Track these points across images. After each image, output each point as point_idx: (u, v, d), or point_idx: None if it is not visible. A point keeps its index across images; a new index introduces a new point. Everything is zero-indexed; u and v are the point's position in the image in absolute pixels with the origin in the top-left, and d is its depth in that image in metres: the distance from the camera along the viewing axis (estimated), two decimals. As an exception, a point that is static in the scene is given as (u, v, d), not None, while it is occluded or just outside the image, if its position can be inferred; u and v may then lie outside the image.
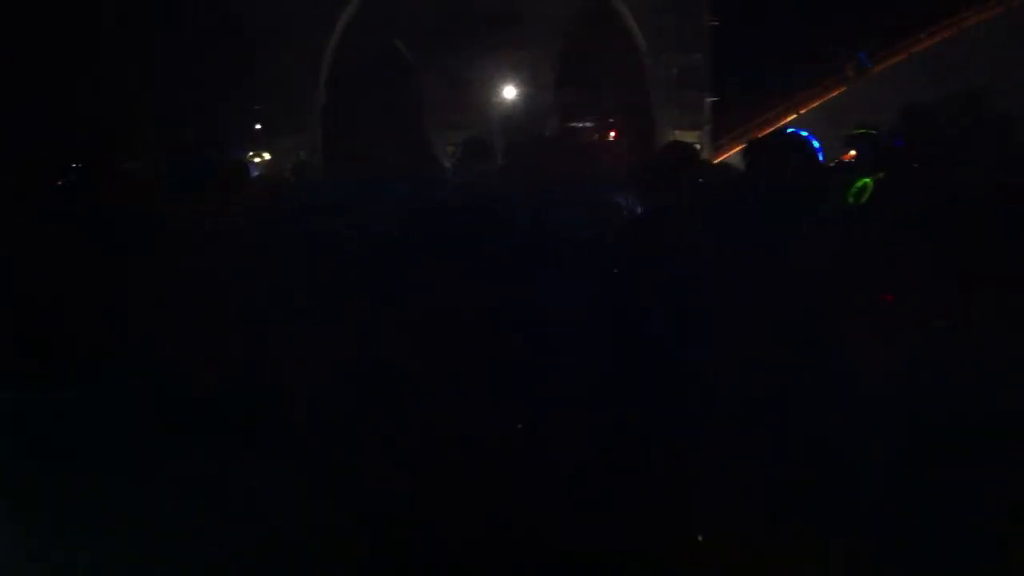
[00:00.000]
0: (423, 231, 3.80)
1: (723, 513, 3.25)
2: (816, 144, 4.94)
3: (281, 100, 18.97)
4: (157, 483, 3.09)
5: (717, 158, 19.11)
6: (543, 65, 19.89)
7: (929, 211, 3.62)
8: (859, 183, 5.41)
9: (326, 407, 3.42)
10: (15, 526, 2.87)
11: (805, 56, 18.22)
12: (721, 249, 3.57)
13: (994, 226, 3.36)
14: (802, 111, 19.45)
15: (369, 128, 17.27)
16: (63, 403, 3.02)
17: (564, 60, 20.14)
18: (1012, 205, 3.43)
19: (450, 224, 3.85)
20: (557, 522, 3.26)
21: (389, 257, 3.72)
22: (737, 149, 19.06)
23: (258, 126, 19.84)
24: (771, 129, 16.74)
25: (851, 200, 5.30)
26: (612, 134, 20.64)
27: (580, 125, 19.99)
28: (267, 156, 18.76)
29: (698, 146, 16.48)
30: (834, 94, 19.58)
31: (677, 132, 19.28)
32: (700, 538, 3.33)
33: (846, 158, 9.11)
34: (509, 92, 20.28)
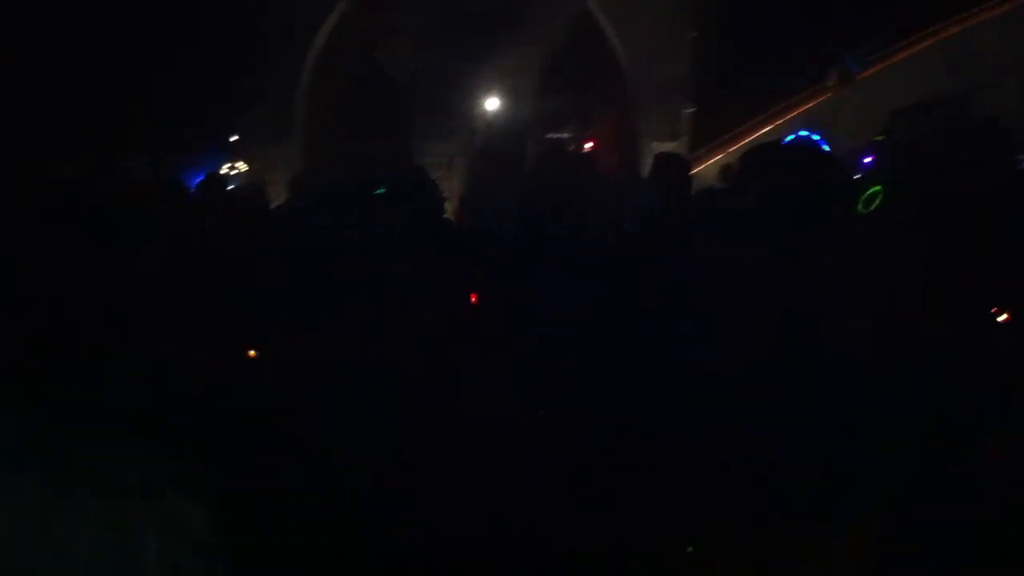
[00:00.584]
0: (427, 233, 3.82)
1: (724, 514, 3.25)
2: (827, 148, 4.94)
3: (260, 111, 18.94)
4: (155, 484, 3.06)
5: (694, 168, 19.17)
6: (525, 75, 19.93)
7: (928, 215, 3.64)
8: (870, 190, 5.42)
9: (325, 407, 3.40)
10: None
11: (785, 66, 18.33)
12: (728, 251, 3.58)
13: (992, 226, 3.39)
14: (780, 121, 19.56)
15: (350, 139, 17.27)
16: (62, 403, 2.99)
17: (544, 70, 20.20)
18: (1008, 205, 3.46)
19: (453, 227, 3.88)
20: (558, 522, 3.25)
21: (392, 258, 3.72)
22: (715, 159, 19.15)
23: (235, 137, 19.79)
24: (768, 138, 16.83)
25: (861, 208, 5.30)
26: (591, 144, 20.72)
27: (560, 135, 20.07)
28: (243, 167, 18.71)
29: (684, 158, 16.52)
30: (814, 103, 19.71)
31: (655, 143, 19.34)
32: (689, 549, 3.33)
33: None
34: (491, 103, 20.32)
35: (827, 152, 4.17)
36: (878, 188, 4.28)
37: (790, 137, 8.94)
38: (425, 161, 14.54)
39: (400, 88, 19.77)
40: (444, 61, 19.35)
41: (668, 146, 18.76)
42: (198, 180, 6.65)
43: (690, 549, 3.33)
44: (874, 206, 4.22)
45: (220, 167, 19.38)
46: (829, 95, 19.53)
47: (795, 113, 19.52)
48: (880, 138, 8.12)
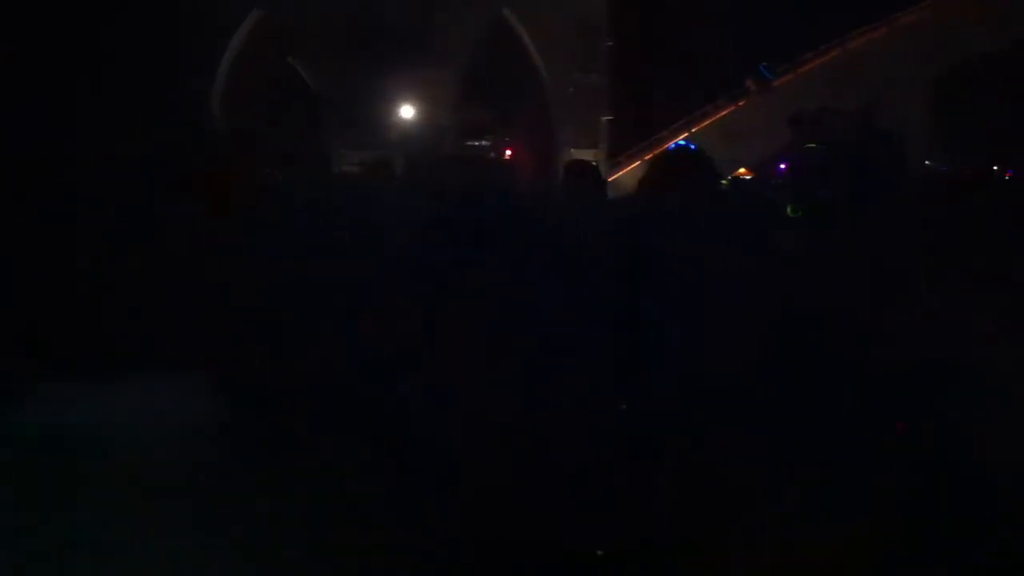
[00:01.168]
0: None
1: (724, 514, 3.29)
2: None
3: (173, 115, 18.61)
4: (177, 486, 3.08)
5: (613, 176, 19.38)
6: (442, 84, 19.93)
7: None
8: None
9: (326, 407, 3.40)
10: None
11: (700, 75, 18.62)
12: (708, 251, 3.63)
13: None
14: (695, 129, 19.85)
15: (263, 146, 17.07)
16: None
17: (463, 79, 20.22)
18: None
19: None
20: (559, 523, 3.26)
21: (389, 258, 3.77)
22: (633, 166, 19.37)
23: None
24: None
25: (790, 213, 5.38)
26: (509, 152, 20.78)
27: (478, 143, 20.10)
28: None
29: (595, 163, 16.68)
30: (728, 111, 20.05)
31: (574, 150, 19.47)
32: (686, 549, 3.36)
33: (740, 174, 9.39)
34: (407, 111, 20.27)
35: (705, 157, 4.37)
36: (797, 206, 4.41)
37: (671, 147, 9.18)
38: (342, 167, 14.43)
39: (316, 94, 19.61)
40: (361, 69, 19.24)
41: (586, 154, 18.93)
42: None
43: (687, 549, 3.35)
44: (799, 214, 4.34)
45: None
46: (742, 104, 19.90)
47: (710, 120, 19.87)
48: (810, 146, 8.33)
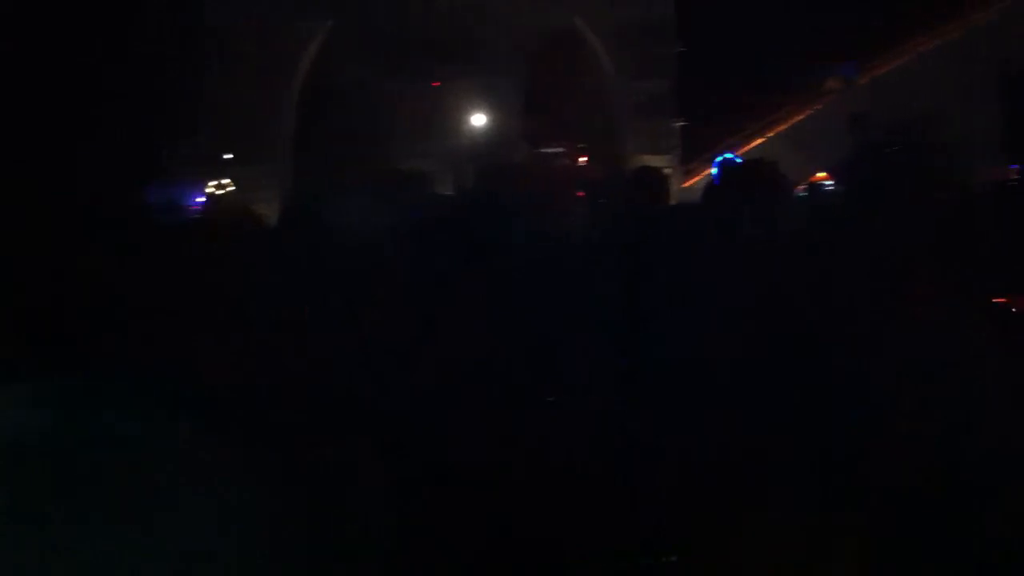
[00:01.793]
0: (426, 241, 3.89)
1: (723, 516, 3.23)
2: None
3: (246, 129, 18.92)
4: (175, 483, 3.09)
5: (687, 182, 19.21)
6: (513, 90, 19.94)
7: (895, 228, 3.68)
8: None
9: (328, 408, 3.40)
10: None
11: (774, 79, 18.37)
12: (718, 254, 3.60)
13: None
14: (770, 133, 19.58)
15: (338, 155, 17.24)
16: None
17: (533, 86, 20.21)
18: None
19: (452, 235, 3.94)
20: (558, 524, 3.22)
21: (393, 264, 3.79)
22: (706, 173, 19.16)
23: (229, 156, 19.79)
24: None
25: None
26: (581, 159, 20.73)
27: (548, 151, 20.06)
28: (228, 184, 18.70)
29: (667, 171, 16.56)
30: (804, 114, 19.74)
31: (646, 157, 19.33)
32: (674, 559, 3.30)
33: (818, 179, 9.15)
34: (478, 119, 20.31)
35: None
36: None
37: (718, 159, 9.12)
38: (409, 176, 14.48)
39: (386, 103, 19.76)
40: (432, 78, 19.37)
41: (657, 160, 18.78)
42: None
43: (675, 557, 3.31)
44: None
45: (206, 186, 19.40)
46: (819, 106, 19.56)
47: (786, 125, 19.58)
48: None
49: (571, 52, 20.44)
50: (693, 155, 20.48)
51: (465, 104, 20.03)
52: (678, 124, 20.26)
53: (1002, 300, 3.51)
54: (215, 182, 17.87)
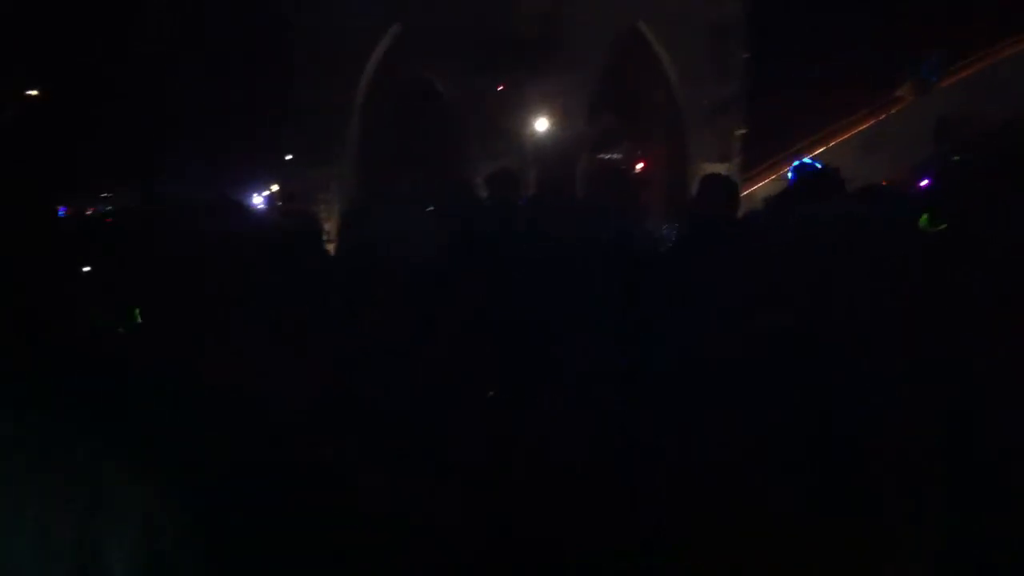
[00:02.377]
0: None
1: (723, 516, 3.26)
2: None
3: (310, 131, 19.14)
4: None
5: (747, 189, 19.10)
6: (575, 95, 19.97)
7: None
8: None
9: (331, 409, 3.46)
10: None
11: (839, 87, 18.21)
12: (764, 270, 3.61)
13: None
14: (833, 142, 19.42)
15: (402, 158, 17.41)
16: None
17: (596, 91, 20.23)
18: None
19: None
20: (559, 524, 3.28)
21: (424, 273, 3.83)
22: (768, 180, 19.06)
23: (289, 156, 20.02)
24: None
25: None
26: (642, 164, 20.70)
27: (611, 156, 20.09)
28: (275, 187, 18.98)
29: (731, 178, 16.47)
30: (869, 123, 19.52)
31: (707, 164, 19.27)
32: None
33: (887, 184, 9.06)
34: (541, 123, 20.38)
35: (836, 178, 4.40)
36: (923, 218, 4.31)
37: (795, 163, 8.97)
38: (478, 178, 14.62)
39: (451, 107, 19.91)
40: (495, 81, 19.46)
41: (719, 167, 18.71)
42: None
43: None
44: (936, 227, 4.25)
45: (270, 186, 19.65)
46: (883, 116, 19.32)
47: (849, 133, 19.39)
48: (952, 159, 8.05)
49: (636, 57, 20.44)
50: (754, 163, 20.39)
51: (529, 108, 20.11)
52: (740, 131, 20.16)
53: None
54: (278, 184, 18.19)
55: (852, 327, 3.39)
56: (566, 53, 18.51)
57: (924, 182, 8.14)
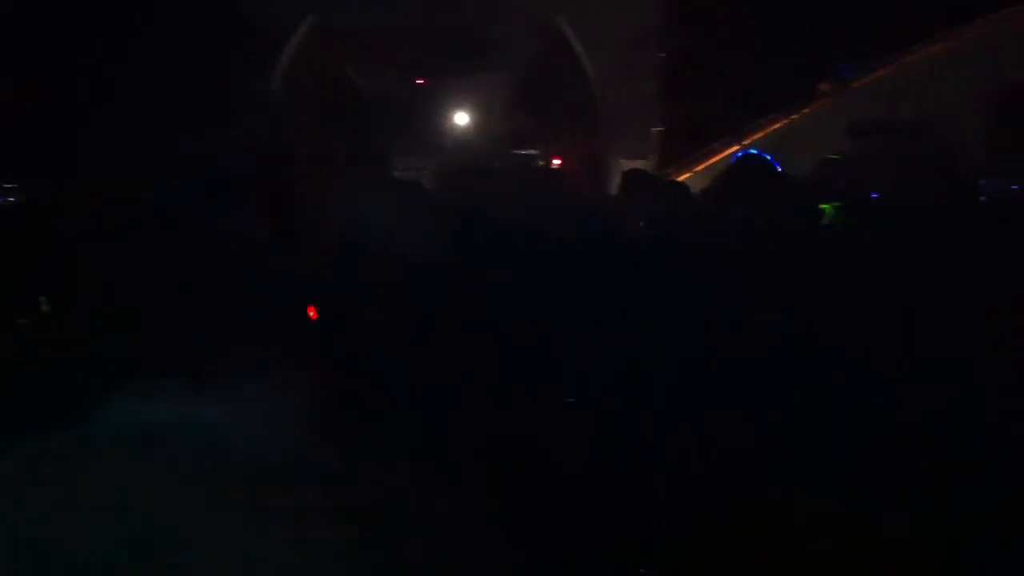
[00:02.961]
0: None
1: (722, 514, 3.29)
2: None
3: (230, 126, 18.80)
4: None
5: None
6: (493, 92, 19.98)
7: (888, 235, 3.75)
8: (827, 207, 5.53)
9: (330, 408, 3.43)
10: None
11: (753, 86, 18.51)
12: (719, 260, 3.66)
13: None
14: (747, 141, 19.71)
15: (320, 153, 17.19)
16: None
17: (514, 88, 20.26)
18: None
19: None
20: (560, 521, 3.28)
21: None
22: (683, 178, 19.25)
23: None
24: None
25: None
26: (558, 161, 20.76)
27: (528, 152, 20.11)
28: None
29: (654, 174, 16.62)
30: (783, 122, 19.88)
31: (624, 160, 19.41)
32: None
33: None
34: (459, 118, 20.33)
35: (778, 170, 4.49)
36: (826, 207, 4.42)
37: (739, 155, 9.09)
38: (395, 174, 14.53)
39: (371, 103, 19.74)
40: (414, 77, 19.35)
41: (635, 164, 18.89)
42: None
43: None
44: (825, 221, 4.36)
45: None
46: (799, 114, 19.67)
47: (763, 132, 19.69)
48: (835, 156, 8.40)
49: (553, 55, 20.51)
50: (669, 160, 20.61)
51: (448, 105, 20.05)
52: (657, 129, 20.39)
53: None
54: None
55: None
56: (485, 50, 18.49)
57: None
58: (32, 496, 3.11)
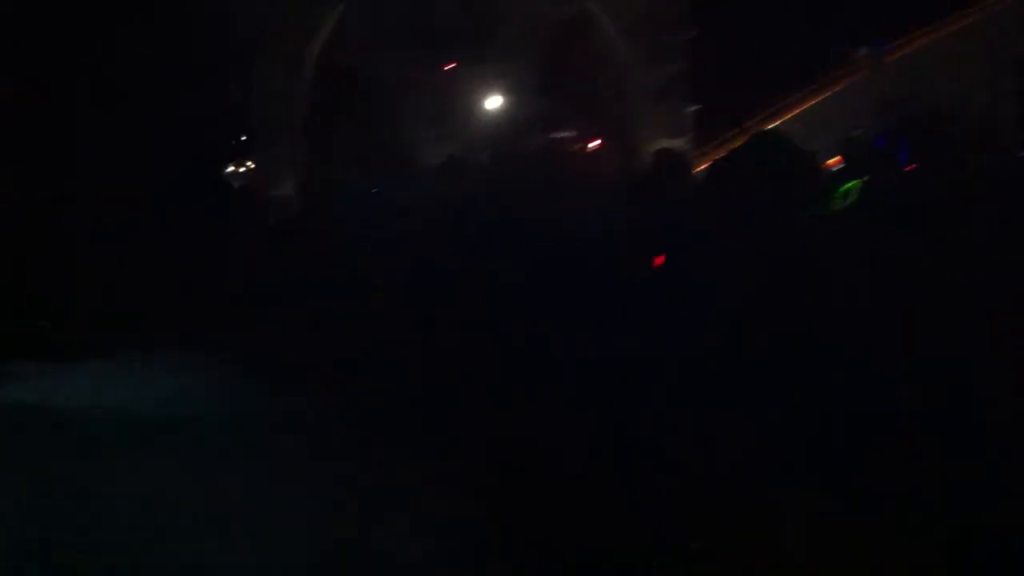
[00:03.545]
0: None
1: (723, 514, 3.24)
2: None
3: (261, 112, 18.91)
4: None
5: (699, 167, 19.11)
6: (524, 76, 19.89)
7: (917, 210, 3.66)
8: (845, 187, 5.43)
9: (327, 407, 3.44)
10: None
11: (787, 64, 18.28)
12: (720, 248, 3.59)
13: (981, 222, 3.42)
14: (785, 116, 19.50)
15: (351, 140, 17.23)
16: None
17: (546, 71, 20.16)
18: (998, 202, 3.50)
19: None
20: (562, 523, 3.24)
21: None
22: (719, 157, 19.08)
23: (243, 137, 19.74)
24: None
25: (838, 204, 5.29)
26: (594, 143, 20.65)
27: (562, 135, 20.01)
28: (252, 164, 18.74)
29: (681, 154, 16.49)
30: (814, 101, 19.64)
31: (661, 141, 19.24)
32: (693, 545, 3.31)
33: (831, 164, 9.10)
34: (492, 103, 20.27)
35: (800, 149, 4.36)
36: (853, 184, 4.30)
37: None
38: (424, 161, 14.50)
39: (399, 89, 19.72)
40: (442, 62, 19.32)
41: (671, 144, 18.71)
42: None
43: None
44: (850, 201, 4.24)
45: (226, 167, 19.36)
46: (837, 88, 19.42)
47: (800, 108, 19.48)
48: (852, 136, 8.26)
49: (584, 37, 20.39)
50: (706, 140, 20.46)
51: (479, 91, 20.00)
52: (691, 109, 20.22)
53: None
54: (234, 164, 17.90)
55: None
56: (517, 33, 18.42)
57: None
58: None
